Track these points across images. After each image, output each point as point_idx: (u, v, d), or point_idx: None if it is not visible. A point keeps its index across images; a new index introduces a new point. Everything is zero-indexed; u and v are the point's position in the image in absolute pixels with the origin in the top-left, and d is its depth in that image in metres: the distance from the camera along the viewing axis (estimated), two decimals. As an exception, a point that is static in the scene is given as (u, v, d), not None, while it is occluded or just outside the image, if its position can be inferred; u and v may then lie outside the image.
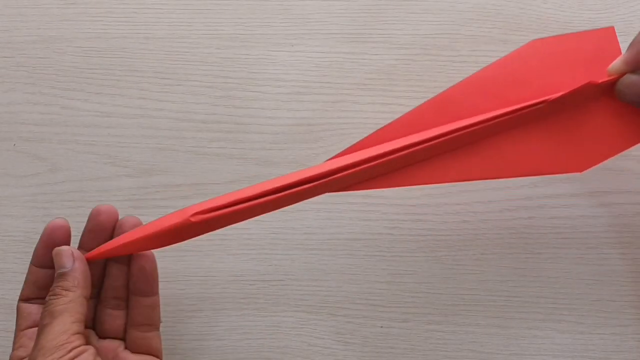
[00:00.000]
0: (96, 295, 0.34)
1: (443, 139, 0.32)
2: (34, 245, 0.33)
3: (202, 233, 0.32)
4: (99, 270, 0.34)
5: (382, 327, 0.40)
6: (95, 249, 0.32)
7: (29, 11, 0.45)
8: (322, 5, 0.45)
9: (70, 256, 0.31)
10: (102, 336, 0.34)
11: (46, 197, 0.42)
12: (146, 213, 0.40)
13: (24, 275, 0.33)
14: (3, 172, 0.42)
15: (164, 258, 0.40)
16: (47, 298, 0.31)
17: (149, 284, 0.33)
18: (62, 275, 0.31)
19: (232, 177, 0.42)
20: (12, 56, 0.44)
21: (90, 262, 0.32)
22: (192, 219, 0.30)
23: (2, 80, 0.44)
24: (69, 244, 0.33)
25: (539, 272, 0.40)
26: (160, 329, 0.35)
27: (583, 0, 0.44)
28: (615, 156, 0.34)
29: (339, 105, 0.43)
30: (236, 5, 0.45)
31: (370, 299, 0.40)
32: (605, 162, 0.34)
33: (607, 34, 0.33)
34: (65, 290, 0.30)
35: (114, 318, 0.33)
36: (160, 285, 0.40)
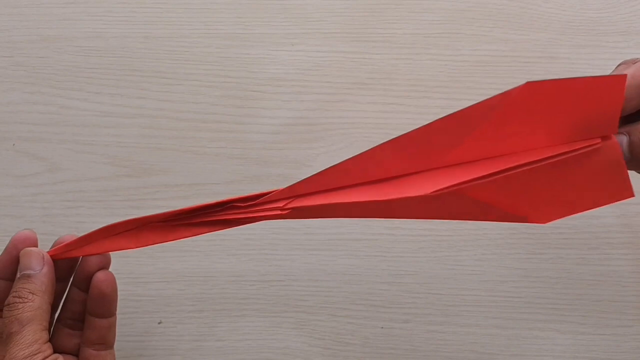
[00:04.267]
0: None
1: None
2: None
3: (164, 235, 0.32)
4: (61, 289, 0.33)
5: (382, 327, 0.40)
6: (58, 247, 0.31)
7: (28, 10, 0.45)
8: (323, 4, 0.45)
9: (40, 259, 0.30)
10: (55, 351, 0.32)
11: (46, 197, 0.42)
12: (146, 213, 0.40)
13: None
14: (2, 172, 0.42)
15: (164, 258, 0.40)
16: (10, 300, 0.29)
17: (107, 307, 0.32)
18: (29, 278, 0.30)
19: (232, 177, 0.42)
20: (11, 55, 0.44)
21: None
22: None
23: (1, 79, 0.44)
24: None
25: (540, 273, 0.40)
26: (115, 346, 0.34)
27: (585, -1, 0.44)
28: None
29: (340, 105, 0.43)
30: (236, 5, 0.45)
31: (371, 299, 0.40)
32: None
33: (616, 82, 0.27)
34: (32, 293, 0.29)
35: (70, 337, 0.33)
36: (160, 286, 0.40)
